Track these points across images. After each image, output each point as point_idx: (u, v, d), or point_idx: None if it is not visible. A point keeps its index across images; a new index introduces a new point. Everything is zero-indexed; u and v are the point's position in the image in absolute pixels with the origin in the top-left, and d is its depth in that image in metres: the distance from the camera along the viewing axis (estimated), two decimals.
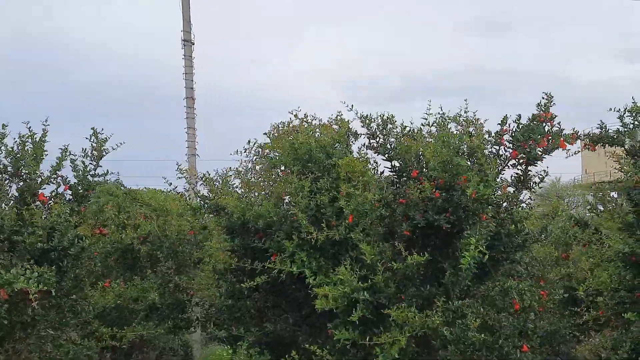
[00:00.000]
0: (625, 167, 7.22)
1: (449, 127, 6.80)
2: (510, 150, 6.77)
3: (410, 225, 6.26)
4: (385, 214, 6.54)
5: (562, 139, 6.79)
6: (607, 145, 7.73)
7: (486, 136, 6.87)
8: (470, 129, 6.80)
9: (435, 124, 6.88)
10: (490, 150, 6.80)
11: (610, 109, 7.46)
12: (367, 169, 6.79)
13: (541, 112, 6.87)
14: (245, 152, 7.41)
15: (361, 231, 6.34)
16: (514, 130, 6.84)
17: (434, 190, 6.24)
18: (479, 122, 6.93)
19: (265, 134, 7.37)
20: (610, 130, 7.56)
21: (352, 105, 7.06)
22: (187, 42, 17.42)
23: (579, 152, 7.62)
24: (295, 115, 7.30)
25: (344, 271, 5.99)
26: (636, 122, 7.52)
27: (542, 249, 8.43)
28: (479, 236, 5.85)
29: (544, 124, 6.83)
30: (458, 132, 6.52)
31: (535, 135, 6.66)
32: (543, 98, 6.91)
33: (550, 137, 6.75)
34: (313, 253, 6.40)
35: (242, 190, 7.30)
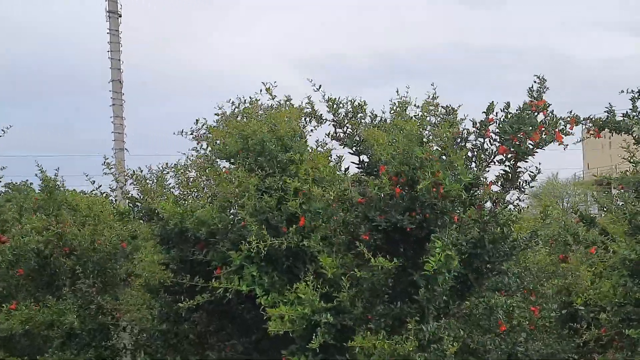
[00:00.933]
0: (634, 158, 7.38)
1: (414, 113, 7.01)
2: (498, 144, 6.90)
3: (370, 227, 6.31)
4: (348, 218, 6.63)
5: (557, 130, 6.89)
6: (613, 133, 7.90)
7: (470, 127, 7.04)
8: (438, 116, 7.09)
9: (395, 111, 6.97)
10: (474, 143, 6.95)
11: (622, 91, 7.67)
12: (329, 164, 6.94)
13: (533, 99, 6.99)
14: (192, 134, 7.40)
15: (321, 239, 6.39)
16: (501, 119, 6.97)
17: (393, 186, 6.27)
18: (448, 108, 7.20)
19: (217, 114, 7.42)
20: (618, 116, 7.75)
21: (320, 86, 7.19)
22: (113, 14, 17.20)
23: (579, 141, 7.80)
24: (268, 90, 7.36)
25: (303, 288, 6.04)
26: None
27: (536, 257, 8.53)
28: (447, 238, 5.95)
29: (537, 113, 6.96)
30: (419, 118, 6.67)
31: (526, 127, 6.76)
32: (535, 82, 7.04)
33: (543, 129, 6.86)
34: (265, 266, 6.45)
35: (180, 191, 7.29)
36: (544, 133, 6.85)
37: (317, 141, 7.44)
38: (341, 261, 6.37)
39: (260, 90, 7.53)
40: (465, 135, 6.92)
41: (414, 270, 6.27)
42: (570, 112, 7.56)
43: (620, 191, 7.68)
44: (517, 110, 6.95)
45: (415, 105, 7.24)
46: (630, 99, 7.70)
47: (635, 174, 7.35)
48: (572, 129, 7.42)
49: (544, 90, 7.07)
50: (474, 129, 6.99)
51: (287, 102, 7.49)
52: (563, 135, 7.00)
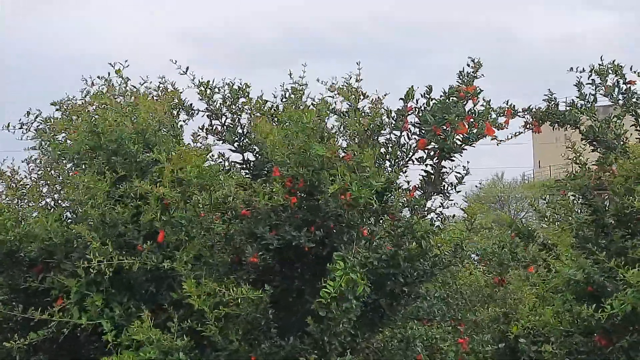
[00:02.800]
0: (580, 157, 7.38)
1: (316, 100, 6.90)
2: (417, 138, 6.91)
3: (259, 248, 6.17)
4: (232, 232, 6.47)
5: (488, 121, 6.96)
6: (556, 125, 8.00)
7: (384, 117, 7.03)
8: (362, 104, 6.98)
9: (288, 98, 6.98)
10: (388, 137, 6.98)
11: (572, 69, 7.78)
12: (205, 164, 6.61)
13: (461, 83, 7.05)
14: (22, 128, 7.14)
15: (195, 258, 6.20)
16: (422, 107, 6.99)
17: (287, 195, 6.16)
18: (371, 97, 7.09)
19: (54, 103, 7.15)
20: (563, 104, 7.90)
21: (187, 68, 7.11)
22: None
23: (515, 135, 7.83)
24: (118, 72, 7.15)
25: (139, 327, 5.78)
26: (599, 92, 7.82)
27: (468, 277, 8.43)
28: (353, 257, 5.86)
29: (465, 101, 7.00)
30: (319, 105, 6.61)
31: (451, 117, 6.76)
32: (468, 65, 7.13)
33: (472, 119, 6.90)
34: (116, 294, 6.19)
35: (8, 198, 6.91)
36: (472, 125, 6.90)
37: (193, 135, 7.27)
38: (218, 287, 6.06)
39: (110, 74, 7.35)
40: (377, 128, 6.92)
41: (313, 296, 6.13)
42: (507, 102, 7.51)
43: (563, 197, 7.69)
44: (441, 96, 7.00)
45: (328, 90, 7.20)
46: (576, 84, 7.81)
47: (582, 176, 7.33)
48: (507, 123, 7.51)
49: (476, 74, 7.17)
50: (389, 119, 7.02)
51: (161, 88, 7.41)
52: (495, 129, 7.07)
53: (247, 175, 6.99)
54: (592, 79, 7.82)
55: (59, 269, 6.33)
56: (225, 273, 6.32)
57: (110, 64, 7.23)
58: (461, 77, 7.06)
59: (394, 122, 6.89)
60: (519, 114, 7.72)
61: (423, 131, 6.77)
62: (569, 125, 7.87)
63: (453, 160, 6.94)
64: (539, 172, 53.45)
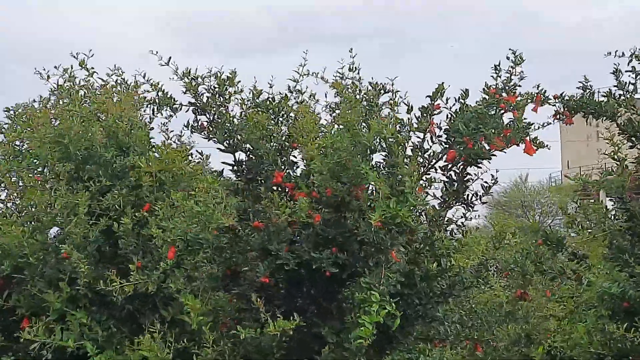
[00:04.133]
0: (618, 154, 7.30)
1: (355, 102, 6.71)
2: (443, 144, 6.91)
3: (272, 267, 6.15)
4: (224, 244, 6.49)
5: (527, 138, 6.92)
6: (590, 118, 7.82)
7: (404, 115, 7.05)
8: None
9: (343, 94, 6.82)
10: (407, 139, 6.95)
11: (609, 53, 7.60)
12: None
13: (503, 89, 7.01)
14: None
15: (186, 275, 6.14)
16: (453, 112, 6.97)
17: (312, 209, 6.13)
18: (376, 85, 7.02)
19: (7, 109, 7.12)
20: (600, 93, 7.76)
21: (170, 58, 7.08)
22: None
23: (543, 126, 7.58)
24: (82, 63, 7.05)
25: (149, 343, 5.79)
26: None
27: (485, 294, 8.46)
28: (385, 287, 5.85)
29: (503, 111, 6.94)
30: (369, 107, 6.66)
31: (487, 129, 6.69)
32: (507, 57, 7.08)
33: (510, 134, 6.82)
34: (97, 313, 6.19)
35: None
36: (509, 140, 6.84)
37: (165, 131, 7.15)
38: (213, 303, 6.19)
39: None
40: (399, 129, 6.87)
41: (322, 320, 6.24)
42: (537, 86, 7.47)
43: (596, 200, 7.66)
44: (477, 103, 6.95)
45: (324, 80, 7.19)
46: (614, 71, 7.64)
47: (620, 174, 7.24)
48: (536, 110, 7.42)
49: (516, 71, 7.15)
50: (413, 118, 7.01)
51: (131, 82, 7.30)
52: (535, 148, 7.06)
53: (239, 179, 6.94)
54: (633, 67, 7.66)
55: (27, 285, 6.26)
56: (214, 288, 6.33)
57: (73, 55, 7.10)
58: (496, 73, 6.99)
59: (417, 122, 6.85)
60: (549, 101, 7.57)
61: (452, 140, 6.74)
62: (605, 118, 7.71)
63: (480, 167, 6.90)
64: (568, 174, 53.31)
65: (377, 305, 5.62)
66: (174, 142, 7.11)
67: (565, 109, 7.67)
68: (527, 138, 6.90)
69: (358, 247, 6.21)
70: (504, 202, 52.99)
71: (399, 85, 7.06)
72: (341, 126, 6.35)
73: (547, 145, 7.09)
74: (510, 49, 6.92)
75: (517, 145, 6.81)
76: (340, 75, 7.15)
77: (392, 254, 6.17)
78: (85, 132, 6.47)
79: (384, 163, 6.42)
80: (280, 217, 6.11)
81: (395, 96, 7.04)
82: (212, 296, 6.23)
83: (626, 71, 7.64)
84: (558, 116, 7.74)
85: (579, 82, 7.73)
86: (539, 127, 7.50)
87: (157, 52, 7.12)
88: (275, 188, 6.45)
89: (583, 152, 45.65)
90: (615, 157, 7.35)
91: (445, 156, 6.80)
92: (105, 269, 6.07)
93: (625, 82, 7.65)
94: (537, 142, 6.95)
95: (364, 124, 6.48)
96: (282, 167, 6.68)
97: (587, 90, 7.70)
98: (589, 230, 7.88)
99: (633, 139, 7.68)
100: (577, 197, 8.06)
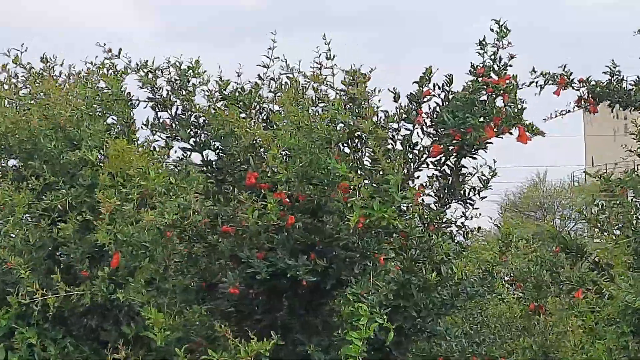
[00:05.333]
0: None
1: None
2: (431, 136, 6.82)
3: (242, 276, 6.12)
4: (195, 251, 6.46)
5: (521, 125, 6.78)
6: (615, 108, 7.70)
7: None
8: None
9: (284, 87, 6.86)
10: (392, 132, 6.82)
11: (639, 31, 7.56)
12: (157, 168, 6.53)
13: (491, 72, 6.85)
14: None
15: (146, 283, 6.14)
16: (438, 102, 6.88)
17: (284, 210, 6.12)
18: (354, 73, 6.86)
19: None
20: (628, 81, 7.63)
21: (120, 50, 6.95)
22: None
23: (561, 114, 7.62)
24: (17, 60, 7.09)
25: None
26: None
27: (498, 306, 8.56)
28: (375, 297, 5.77)
29: (494, 96, 6.80)
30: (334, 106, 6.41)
31: (475, 119, 6.62)
32: (491, 29, 6.87)
33: (500, 122, 6.74)
34: (49, 330, 6.17)
35: None
36: (501, 128, 6.76)
37: (122, 124, 7.16)
38: (180, 319, 6.13)
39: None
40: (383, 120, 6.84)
41: (308, 336, 6.21)
42: (564, 67, 7.39)
43: (622, 198, 7.42)
44: (463, 89, 6.83)
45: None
46: None
47: None
48: (558, 94, 7.41)
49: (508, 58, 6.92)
50: (398, 108, 6.85)
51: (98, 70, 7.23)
52: (530, 135, 6.90)
53: (209, 180, 6.84)
54: None
55: None
56: (186, 301, 6.30)
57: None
58: (482, 51, 6.81)
59: (404, 112, 6.74)
60: (573, 84, 7.47)
61: (439, 132, 6.68)
62: (634, 108, 7.61)
63: (475, 159, 6.78)
64: (592, 172, 53.04)
65: (366, 319, 5.54)
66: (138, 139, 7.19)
67: (590, 95, 7.55)
68: (521, 125, 6.80)
69: (342, 253, 6.17)
70: (520, 203, 52.92)
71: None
72: (290, 126, 6.31)
73: (542, 132, 6.92)
74: (493, 20, 6.81)
75: (511, 133, 6.74)
76: (319, 66, 7.03)
77: (381, 260, 6.16)
78: (25, 122, 6.49)
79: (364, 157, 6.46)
80: (249, 220, 6.05)
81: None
82: (184, 311, 6.18)
83: None
84: (582, 102, 7.65)
85: (606, 66, 7.59)
86: (557, 116, 7.52)
87: (104, 44, 6.96)
88: (249, 190, 6.39)
89: (609, 147, 45.64)
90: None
91: (430, 152, 6.76)
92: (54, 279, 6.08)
93: None
94: (532, 128, 6.81)
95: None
96: (256, 166, 6.58)
97: (615, 77, 7.55)
98: (613, 236, 7.79)
99: None
100: (600, 198, 7.95)
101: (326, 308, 6.37)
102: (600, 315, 7.38)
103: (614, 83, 7.54)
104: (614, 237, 7.71)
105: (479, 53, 6.89)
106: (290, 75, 6.96)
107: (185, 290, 6.33)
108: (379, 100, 6.83)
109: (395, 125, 6.77)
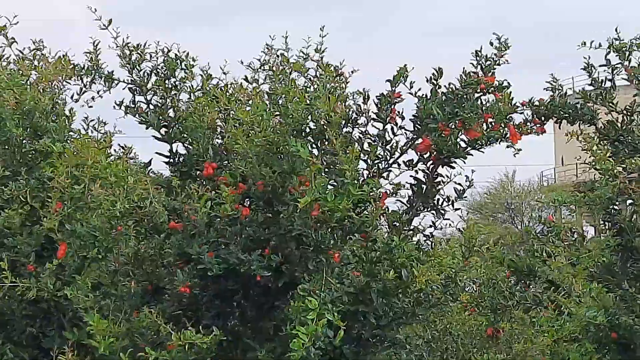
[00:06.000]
0: (601, 161, 7.04)
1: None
2: (410, 134, 6.77)
3: (191, 275, 5.98)
4: (150, 249, 6.33)
5: (512, 124, 6.84)
6: (562, 123, 7.61)
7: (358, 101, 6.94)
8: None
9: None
10: (363, 129, 6.86)
11: (583, 44, 7.43)
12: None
13: (480, 70, 6.88)
14: None
15: (93, 288, 6.04)
16: (423, 94, 6.83)
17: (239, 202, 6.05)
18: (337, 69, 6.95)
19: None
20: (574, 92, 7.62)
21: (110, 21, 6.85)
22: None
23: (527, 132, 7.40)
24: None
25: None
26: (619, 75, 7.48)
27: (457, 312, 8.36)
28: (327, 294, 5.68)
29: (484, 93, 6.82)
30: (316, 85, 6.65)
31: (466, 113, 6.57)
32: (491, 43, 6.90)
33: (491, 119, 6.74)
34: None
35: None
36: (491, 127, 6.76)
37: (86, 119, 7.22)
38: (126, 325, 5.98)
39: None
40: (353, 117, 6.87)
41: (255, 339, 6.10)
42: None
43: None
44: (454, 85, 6.80)
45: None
46: (584, 67, 7.54)
47: (602, 187, 6.97)
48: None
49: (501, 57, 6.92)
50: (367, 107, 6.92)
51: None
52: (520, 134, 6.95)
53: (173, 173, 6.80)
54: (608, 59, 7.47)
55: None
56: (133, 306, 6.17)
57: None
58: (478, 57, 6.84)
59: (377, 110, 6.73)
60: (517, 109, 7.25)
61: (424, 126, 6.59)
62: (581, 122, 7.50)
63: (453, 168, 6.74)
64: (562, 172, 52.98)
65: (315, 314, 5.45)
66: (96, 130, 7.20)
67: (535, 116, 7.39)
68: (511, 124, 6.83)
69: (296, 250, 6.09)
70: (486, 204, 53.01)
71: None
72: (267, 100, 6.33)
73: (535, 132, 7.06)
74: (494, 34, 6.82)
75: (501, 131, 6.72)
76: (304, 56, 7.13)
77: (335, 257, 6.05)
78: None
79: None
80: (200, 211, 5.95)
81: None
82: (130, 316, 6.04)
83: (600, 65, 7.47)
84: (529, 126, 7.42)
85: (546, 82, 7.56)
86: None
87: (95, 10, 6.85)
88: (204, 182, 6.34)
89: (579, 147, 45.68)
90: (599, 166, 7.05)
91: (416, 147, 6.68)
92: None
93: (600, 79, 7.46)
94: (524, 128, 6.92)
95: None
96: (216, 157, 6.52)
97: (558, 91, 7.48)
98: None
99: (616, 143, 7.45)
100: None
101: (279, 313, 6.18)
102: (561, 334, 7.34)
103: (558, 99, 7.43)
104: (577, 252, 7.68)
105: (473, 64, 6.82)
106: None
107: (132, 294, 6.21)
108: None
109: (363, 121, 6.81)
